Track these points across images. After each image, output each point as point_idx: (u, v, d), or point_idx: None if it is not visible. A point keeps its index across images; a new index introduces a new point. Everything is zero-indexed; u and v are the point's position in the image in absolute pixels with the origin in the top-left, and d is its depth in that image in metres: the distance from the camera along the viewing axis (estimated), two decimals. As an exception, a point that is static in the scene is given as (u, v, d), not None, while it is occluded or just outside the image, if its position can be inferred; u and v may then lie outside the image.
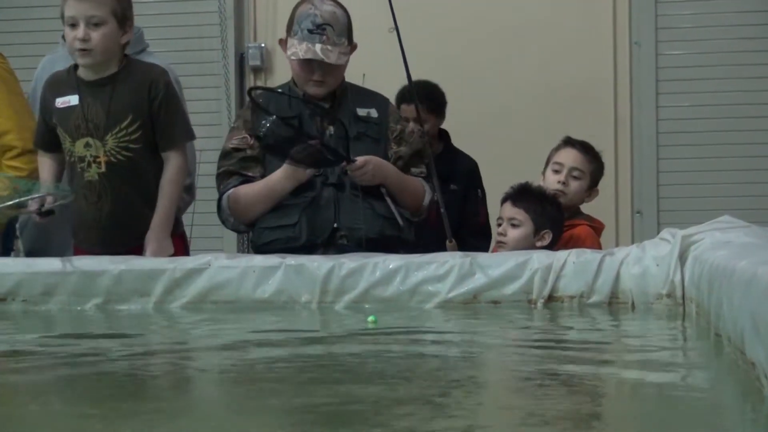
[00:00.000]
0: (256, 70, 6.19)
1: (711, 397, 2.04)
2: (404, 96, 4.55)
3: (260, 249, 3.62)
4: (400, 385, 2.14)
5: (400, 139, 3.69)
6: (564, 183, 3.81)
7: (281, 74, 5.98)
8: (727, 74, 5.83)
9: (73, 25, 3.56)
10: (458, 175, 4.64)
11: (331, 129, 3.63)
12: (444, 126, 4.83)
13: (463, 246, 3.79)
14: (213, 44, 6.11)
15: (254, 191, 3.62)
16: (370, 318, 2.95)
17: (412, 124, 3.89)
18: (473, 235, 4.53)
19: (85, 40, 3.53)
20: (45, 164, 3.71)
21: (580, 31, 5.96)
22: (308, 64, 3.58)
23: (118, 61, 3.64)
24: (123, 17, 3.58)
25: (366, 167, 3.51)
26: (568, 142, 3.94)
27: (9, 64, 4.00)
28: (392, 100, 4.18)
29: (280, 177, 3.57)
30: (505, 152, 5.57)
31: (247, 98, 3.78)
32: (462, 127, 5.03)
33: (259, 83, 6.08)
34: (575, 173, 3.82)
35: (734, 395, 2.03)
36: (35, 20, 5.99)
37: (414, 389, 2.09)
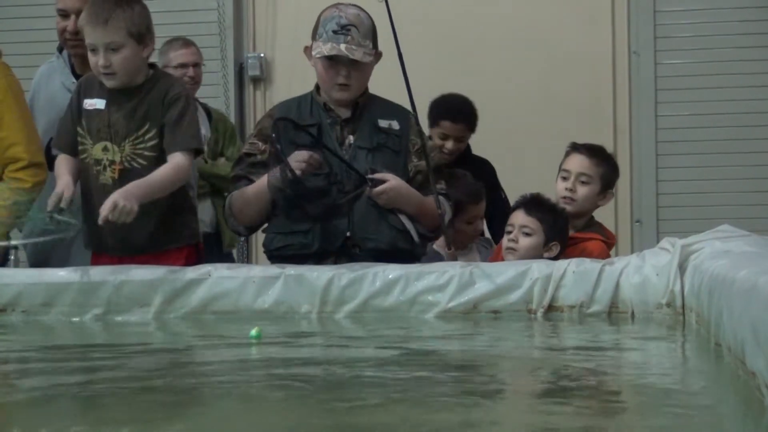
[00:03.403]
0: (256, 80, 6.20)
1: (711, 407, 2.04)
2: (441, 112, 4.58)
3: (272, 254, 3.63)
4: (400, 395, 2.14)
5: (421, 153, 3.68)
6: (572, 189, 3.79)
7: (281, 84, 5.99)
8: (726, 83, 5.84)
9: (94, 50, 3.60)
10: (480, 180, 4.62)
11: (351, 138, 3.64)
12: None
13: None
14: (212, 54, 6.11)
15: (246, 193, 3.63)
16: (253, 332, 2.88)
17: (431, 141, 3.88)
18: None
19: (106, 65, 3.58)
20: (65, 161, 3.70)
21: (580, 41, 5.97)
22: (334, 66, 3.59)
23: (145, 72, 3.69)
24: (140, 35, 3.61)
25: (384, 195, 3.51)
26: (575, 147, 3.90)
27: (15, 76, 4.01)
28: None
29: (263, 180, 3.57)
30: (505, 161, 5.56)
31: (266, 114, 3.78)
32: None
33: (258, 93, 6.09)
34: (582, 178, 3.79)
35: (734, 405, 2.03)
36: (32, 31, 5.99)
37: (413, 400, 2.09)
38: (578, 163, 3.82)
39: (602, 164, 3.83)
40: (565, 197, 3.78)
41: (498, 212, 4.46)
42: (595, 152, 3.86)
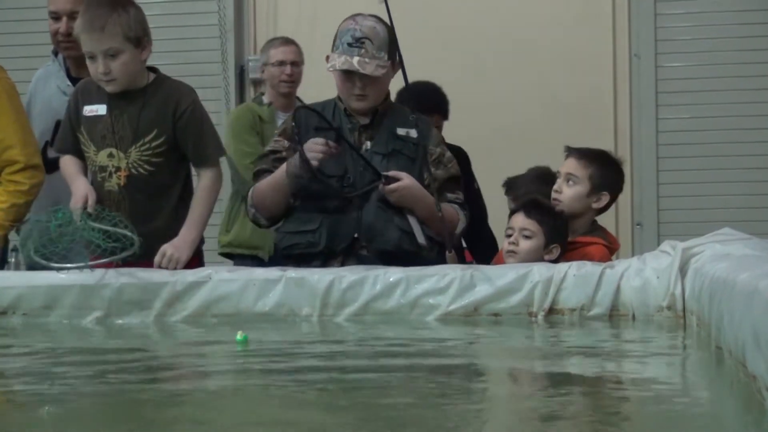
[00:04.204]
0: (256, 83, 6.20)
1: (712, 411, 2.04)
2: (411, 106, 4.49)
3: (282, 253, 3.65)
4: (399, 398, 2.14)
5: (438, 163, 3.69)
6: (558, 191, 3.80)
7: (281, 87, 5.98)
8: (726, 86, 5.84)
9: (92, 58, 3.60)
10: None
11: (368, 144, 3.66)
12: (445, 136, 4.84)
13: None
14: (213, 57, 6.12)
15: (265, 181, 3.66)
16: (239, 336, 2.86)
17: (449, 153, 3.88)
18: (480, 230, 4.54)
19: (106, 72, 3.58)
20: (73, 163, 3.74)
21: (580, 44, 5.97)
22: (349, 78, 3.62)
23: (146, 75, 3.70)
24: (137, 39, 3.60)
25: (396, 193, 3.52)
26: (567, 150, 3.92)
27: (11, 79, 4.00)
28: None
29: (283, 169, 3.59)
30: (505, 164, 5.56)
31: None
32: (462, 138, 5.04)
33: (260, 96, 6.09)
34: (569, 179, 3.81)
35: (735, 408, 2.03)
36: (28, 34, 5.99)
37: (412, 403, 2.09)
38: (566, 164, 3.84)
39: (591, 165, 3.81)
40: (553, 199, 3.79)
41: (469, 203, 4.46)
42: (585, 154, 3.85)
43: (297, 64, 5.02)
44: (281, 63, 4.98)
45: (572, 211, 3.80)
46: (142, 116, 3.64)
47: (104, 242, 3.41)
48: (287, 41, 5.10)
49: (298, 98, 5.09)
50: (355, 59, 3.57)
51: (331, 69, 3.63)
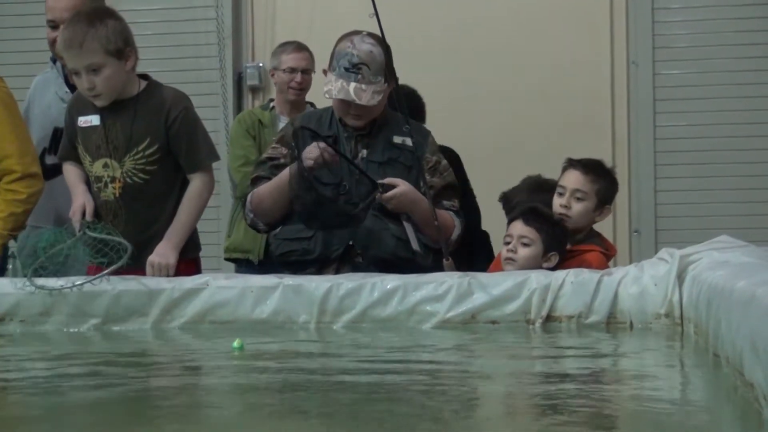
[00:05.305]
0: (254, 90, 6.21)
1: (709, 418, 2.04)
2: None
3: (278, 260, 3.66)
4: (397, 404, 2.14)
5: (434, 170, 3.70)
6: (566, 206, 3.79)
7: (279, 94, 5.99)
8: (724, 93, 5.85)
9: (77, 74, 3.59)
10: None
11: (365, 152, 3.66)
12: (443, 144, 4.84)
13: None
14: (211, 64, 6.13)
15: (265, 187, 3.67)
16: (236, 344, 2.88)
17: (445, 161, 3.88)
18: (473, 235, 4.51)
19: (90, 88, 3.58)
20: (74, 171, 3.76)
21: (578, 51, 5.98)
22: (345, 102, 3.61)
23: (136, 84, 3.69)
24: (119, 51, 3.57)
25: (393, 200, 3.53)
26: (570, 163, 3.91)
27: (9, 88, 4.00)
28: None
29: (282, 175, 3.59)
30: (503, 171, 5.57)
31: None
32: (459, 146, 5.04)
33: (257, 103, 6.09)
34: (578, 195, 3.79)
35: (733, 416, 2.03)
36: (27, 41, 6.00)
37: (410, 410, 2.09)
38: (573, 179, 3.83)
39: (598, 180, 3.82)
40: (560, 214, 3.78)
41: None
42: (591, 168, 3.85)
43: (308, 71, 4.99)
44: (292, 70, 4.95)
45: (580, 227, 3.80)
46: (134, 125, 3.63)
47: (93, 257, 3.40)
48: (300, 47, 5.06)
49: (311, 103, 5.05)
50: (352, 86, 3.56)
51: (327, 96, 3.63)
